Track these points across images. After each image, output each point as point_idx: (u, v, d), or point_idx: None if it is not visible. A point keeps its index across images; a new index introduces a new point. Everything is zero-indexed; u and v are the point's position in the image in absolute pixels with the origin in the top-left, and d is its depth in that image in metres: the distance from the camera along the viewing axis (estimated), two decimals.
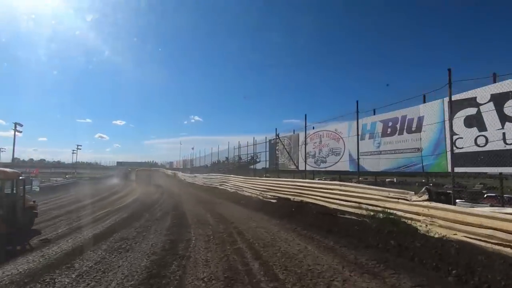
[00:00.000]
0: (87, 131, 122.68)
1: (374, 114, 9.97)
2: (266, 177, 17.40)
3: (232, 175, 21.10)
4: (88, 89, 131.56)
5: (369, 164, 9.88)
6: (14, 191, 8.35)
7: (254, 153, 19.85)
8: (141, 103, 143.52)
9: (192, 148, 35.81)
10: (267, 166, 18.72)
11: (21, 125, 29.21)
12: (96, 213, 11.76)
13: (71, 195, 19.96)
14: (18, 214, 8.26)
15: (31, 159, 77.96)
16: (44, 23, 78.61)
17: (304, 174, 13.73)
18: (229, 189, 19.67)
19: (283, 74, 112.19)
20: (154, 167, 74.67)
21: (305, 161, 13.75)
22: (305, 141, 13.78)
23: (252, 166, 21.20)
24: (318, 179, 14.39)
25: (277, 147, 17.25)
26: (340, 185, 9.64)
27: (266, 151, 18.59)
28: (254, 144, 19.50)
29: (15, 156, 30.73)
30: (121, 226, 8.78)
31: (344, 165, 11.42)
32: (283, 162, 16.65)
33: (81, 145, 52.13)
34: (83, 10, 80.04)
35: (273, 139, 17.37)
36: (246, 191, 16.84)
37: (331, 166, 12.35)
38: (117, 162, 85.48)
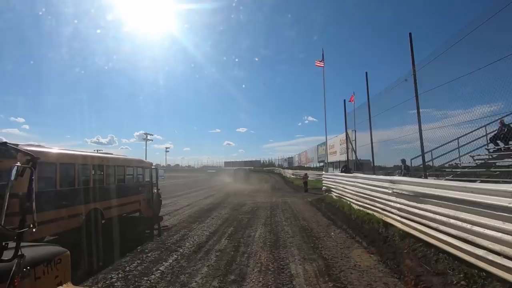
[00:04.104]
0: (217, 139, 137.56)
1: None
2: None
3: None
4: (216, 104, 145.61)
5: None
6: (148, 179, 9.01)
7: None
8: (258, 111, 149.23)
9: None
10: None
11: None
12: None
13: None
14: (155, 200, 8.87)
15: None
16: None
17: None
18: None
19: None
20: (267, 166, 65.20)
21: None
22: None
23: None
24: None
25: None
26: None
27: None
28: None
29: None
30: None
31: None
32: None
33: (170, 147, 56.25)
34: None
35: None
36: None
37: None
38: (225, 162, 77.46)
